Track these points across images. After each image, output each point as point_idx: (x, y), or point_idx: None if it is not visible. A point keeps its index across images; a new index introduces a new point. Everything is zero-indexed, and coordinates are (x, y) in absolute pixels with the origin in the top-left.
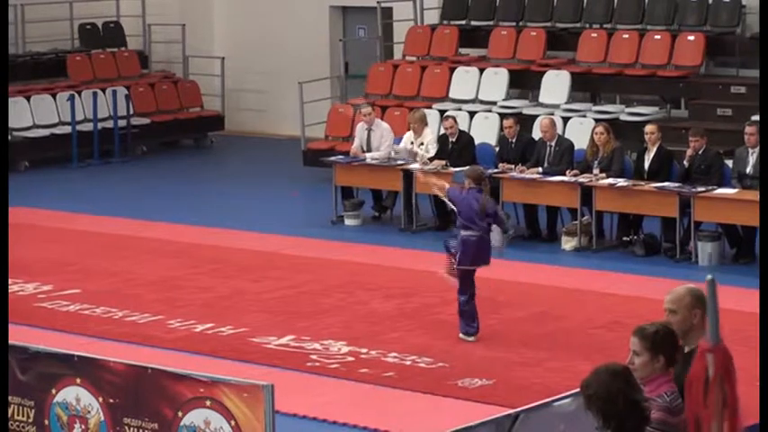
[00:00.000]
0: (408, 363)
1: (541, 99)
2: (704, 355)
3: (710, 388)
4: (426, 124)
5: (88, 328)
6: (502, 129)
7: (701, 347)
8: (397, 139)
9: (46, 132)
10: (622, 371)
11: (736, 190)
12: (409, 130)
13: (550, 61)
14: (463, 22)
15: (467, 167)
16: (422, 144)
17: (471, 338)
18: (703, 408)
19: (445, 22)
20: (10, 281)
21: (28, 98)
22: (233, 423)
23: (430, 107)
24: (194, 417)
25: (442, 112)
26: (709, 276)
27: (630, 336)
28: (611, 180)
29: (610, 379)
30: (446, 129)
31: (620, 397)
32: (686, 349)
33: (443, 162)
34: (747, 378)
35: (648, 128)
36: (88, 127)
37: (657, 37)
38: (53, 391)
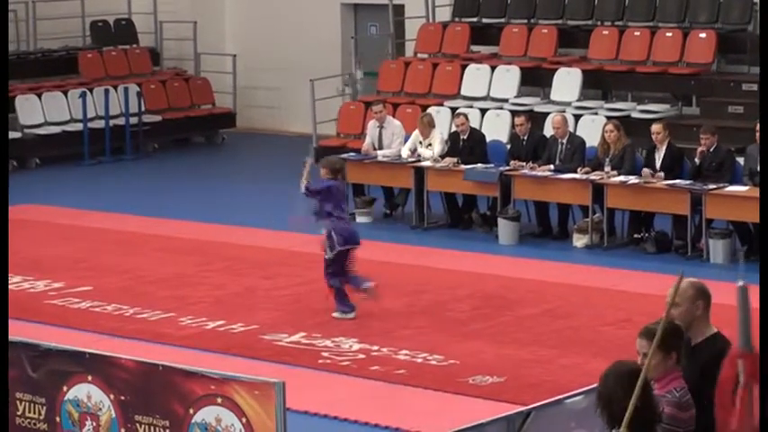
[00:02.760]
0: (419, 360)
1: (553, 96)
2: (735, 360)
3: (740, 393)
4: (434, 126)
5: (99, 325)
6: (513, 126)
7: (732, 353)
8: (407, 136)
9: (57, 130)
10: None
11: (747, 187)
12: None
13: (562, 59)
14: (475, 20)
15: (326, 158)
16: (429, 145)
17: (351, 315)
18: (731, 409)
19: (457, 19)
20: (20, 278)
21: (39, 95)
22: (244, 420)
23: (441, 104)
24: (205, 414)
25: (453, 109)
26: (740, 282)
27: (637, 338)
28: (622, 177)
29: (627, 381)
30: (457, 126)
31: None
32: (692, 342)
33: (455, 159)
34: None
35: (654, 128)
36: (100, 124)
37: (669, 34)
38: (64, 389)
